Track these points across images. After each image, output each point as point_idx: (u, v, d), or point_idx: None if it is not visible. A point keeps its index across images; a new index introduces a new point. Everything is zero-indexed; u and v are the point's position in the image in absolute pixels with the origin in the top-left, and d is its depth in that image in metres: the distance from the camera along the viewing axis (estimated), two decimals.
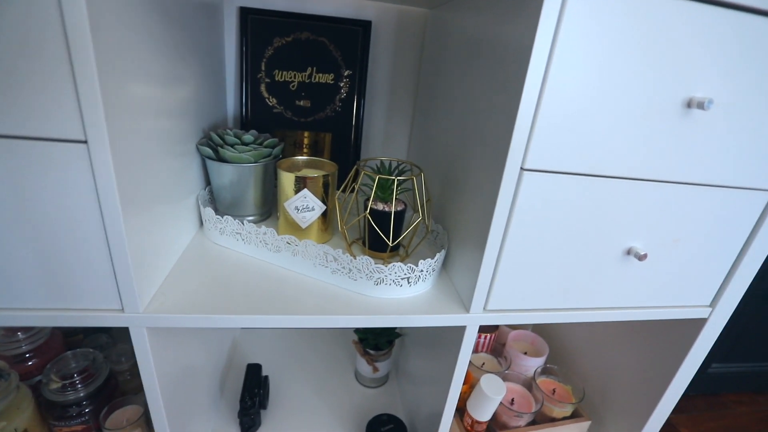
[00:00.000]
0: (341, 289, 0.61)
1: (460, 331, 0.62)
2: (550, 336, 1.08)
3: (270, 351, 1.12)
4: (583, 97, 0.48)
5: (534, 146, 0.49)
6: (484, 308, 0.60)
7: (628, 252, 0.59)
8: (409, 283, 0.60)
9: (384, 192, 0.65)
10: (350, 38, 0.88)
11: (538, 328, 1.11)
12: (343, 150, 0.94)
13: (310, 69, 0.89)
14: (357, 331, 0.98)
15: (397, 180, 0.61)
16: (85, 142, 0.41)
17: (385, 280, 0.59)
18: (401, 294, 0.61)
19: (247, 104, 0.89)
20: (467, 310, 0.60)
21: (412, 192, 0.73)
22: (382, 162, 0.67)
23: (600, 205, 0.55)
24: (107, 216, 0.45)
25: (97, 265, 0.47)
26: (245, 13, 0.85)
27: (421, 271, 0.60)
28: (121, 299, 0.50)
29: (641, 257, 0.57)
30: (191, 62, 0.67)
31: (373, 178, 0.62)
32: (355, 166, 0.64)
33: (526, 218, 0.54)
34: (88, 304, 0.50)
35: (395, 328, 0.98)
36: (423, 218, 0.64)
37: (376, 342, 0.95)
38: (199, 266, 0.63)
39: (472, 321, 0.60)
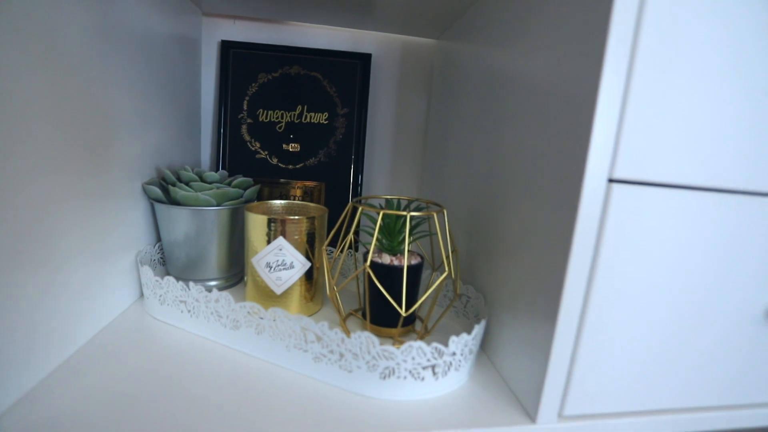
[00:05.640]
0: (329, 387, 0.39)
1: None
2: None
3: None
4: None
5: (626, 145, 0.32)
6: (559, 414, 0.37)
7: None
8: (434, 373, 0.38)
9: (392, 238, 0.46)
10: (347, 73, 0.76)
11: None
12: (340, 202, 0.77)
13: (300, 107, 0.75)
14: None
15: (412, 218, 0.42)
16: None
17: (397, 370, 0.37)
18: (423, 393, 0.39)
19: (225, 148, 0.74)
20: (532, 418, 0.37)
21: (429, 241, 0.54)
22: (387, 200, 0.49)
23: (725, 236, 0.35)
24: None
25: None
26: (227, 47, 0.73)
27: (453, 353, 0.39)
28: None
29: None
30: (155, 99, 0.53)
31: (376, 217, 0.44)
32: (350, 204, 0.46)
33: (616, 257, 0.34)
34: None
35: None
36: (449, 272, 0.43)
37: None
38: (117, 355, 0.42)
39: None
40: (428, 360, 0.37)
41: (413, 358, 0.37)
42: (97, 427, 0.32)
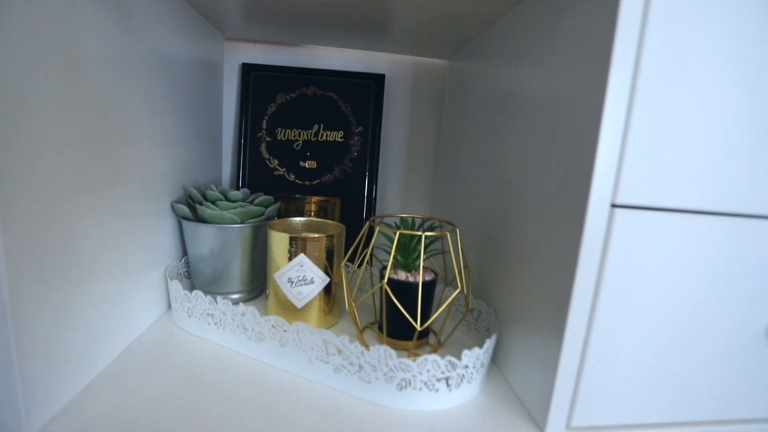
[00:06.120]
0: (349, 398, 0.42)
1: None
2: None
3: None
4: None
5: (628, 173, 0.34)
6: (567, 426, 0.39)
7: None
8: (448, 385, 0.41)
9: (407, 256, 0.49)
10: (362, 93, 0.79)
11: None
12: (355, 217, 0.80)
13: (316, 126, 0.79)
14: None
15: (426, 237, 0.45)
16: None
17: (413, 381, 0.40)
18: (437, 404, 0.41)
19: (245, 165, 0.78)
20: (541, 429, 0.39)
21: (442, 257, 0.56)
22: (402, 219, 0.52)
23: (725, 257, 0.37)
24: None
25: None
26: (247, 70, 0.77)
27: (466, 367, 0.41)
28: None
29: None
30: (180, 119, 0.57)
31: (392, 236, 0.46)
32: (368, 223, 0.48)
33: (620, 277, 0.36)
34: None
35: None
36: (462, 288, 0.46)
37: None
38: (150, 364, 0.45)
39: None
40: (442, 372, 0.40)
41: (428, 371, 0.39)
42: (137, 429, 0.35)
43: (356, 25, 0.64)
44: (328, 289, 0.53)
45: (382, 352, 0.39)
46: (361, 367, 0.41)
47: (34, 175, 0.32)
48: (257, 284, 0.63)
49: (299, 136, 0.78)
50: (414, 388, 0.40)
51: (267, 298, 0.55)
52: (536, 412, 0.40)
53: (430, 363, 0.39)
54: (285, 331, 0.44)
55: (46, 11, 0.32)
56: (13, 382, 0.31)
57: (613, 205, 0.35)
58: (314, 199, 0.79)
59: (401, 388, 0.40)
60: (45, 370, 0.34)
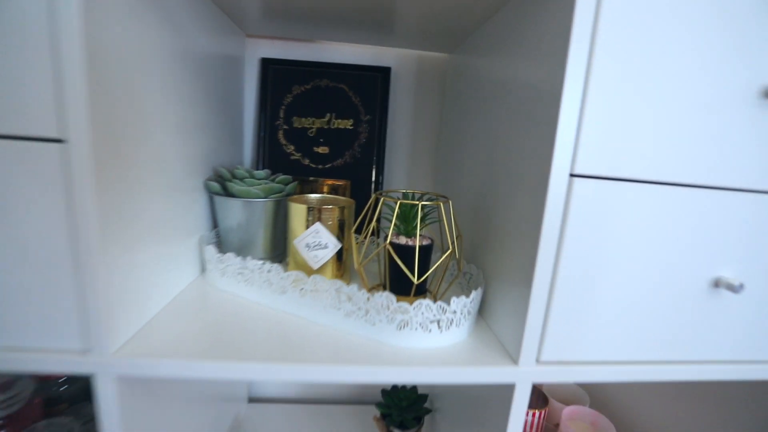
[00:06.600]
0: (357, 338, 0.50)
1: (507, 392, 0.49)
2: (613, 413, 0.88)
3: (278, 430, 0.95)
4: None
5: (584, 144, 0.41)
6: (537, 360, 0.47)
7: (716, 284, 0.47)
8: (440, 327, 0.49)
9: (407, 223, 0.57)
10: (369, 84, 0.87)
11: (599, 404, 0.92)
12: (363, 198, 0.88)
13: (328, 115, 0.87)
14: (379, 405, 0.83)
15: (423, 207, 0.53)
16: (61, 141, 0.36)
17: (410, 323, 0.48)
18: (430, 342, 0.49)
19: (264, 151, 0.87)
20: (515, 362, 0.47)
21: (439, 226, 0.65)
22: (404, 193, 0.60)
23: (669, 221, 0.45)
24: (82, 242, 0.38)
25: (54, 294, 0.39)
26: (266, 64, 0.85)
27: (454, 312, 0.49)
28: (84, 337, 0.41)
29: (735, 288, 0.45)
30: (208, 109, 0.66)
31: (394, 206, 0.54)
32: (374, 196, 0.57)
33: (580, 237, 0.44)
34: (35, 342, 0.41)
35: (424, 402, 0.82)
36: (453, 251, 0.54)
37: (402, 418, 0.79)
38: (193, 311, 0.54)
39: (522, 376, 0.47)
40: (434, 315, 0.48)
41: (422, 313, 0.48)
42: (183, 356, 0.44)
43: (365, 21, 0.72)
44: (339, 256, 0.62)
45: (385, 297, 0.48)
46: (367, 311, 0.49)
47: (107, 163, 0.41)
48: (278, 253, 0.72)
49: (313, 124, 0.87)
50: (411, 329, 0.48)
51: (287, 265, 0.64)
52: (512, 350, 0.48)
53: (424, 307, 0.47)
54: (304, 284, 0.52)
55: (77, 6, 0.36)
56: (99, 315, 0.40)
57: (572, 175, 0.42)
58: (326, 181, 0.88)
59: (400, 329, 0.48)
60: (119, 307, 0.43)
